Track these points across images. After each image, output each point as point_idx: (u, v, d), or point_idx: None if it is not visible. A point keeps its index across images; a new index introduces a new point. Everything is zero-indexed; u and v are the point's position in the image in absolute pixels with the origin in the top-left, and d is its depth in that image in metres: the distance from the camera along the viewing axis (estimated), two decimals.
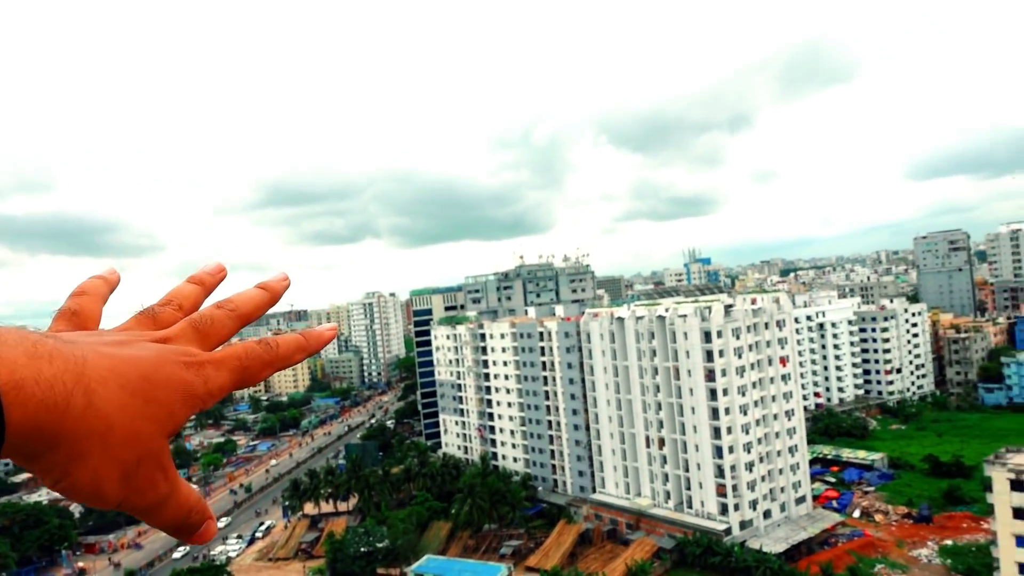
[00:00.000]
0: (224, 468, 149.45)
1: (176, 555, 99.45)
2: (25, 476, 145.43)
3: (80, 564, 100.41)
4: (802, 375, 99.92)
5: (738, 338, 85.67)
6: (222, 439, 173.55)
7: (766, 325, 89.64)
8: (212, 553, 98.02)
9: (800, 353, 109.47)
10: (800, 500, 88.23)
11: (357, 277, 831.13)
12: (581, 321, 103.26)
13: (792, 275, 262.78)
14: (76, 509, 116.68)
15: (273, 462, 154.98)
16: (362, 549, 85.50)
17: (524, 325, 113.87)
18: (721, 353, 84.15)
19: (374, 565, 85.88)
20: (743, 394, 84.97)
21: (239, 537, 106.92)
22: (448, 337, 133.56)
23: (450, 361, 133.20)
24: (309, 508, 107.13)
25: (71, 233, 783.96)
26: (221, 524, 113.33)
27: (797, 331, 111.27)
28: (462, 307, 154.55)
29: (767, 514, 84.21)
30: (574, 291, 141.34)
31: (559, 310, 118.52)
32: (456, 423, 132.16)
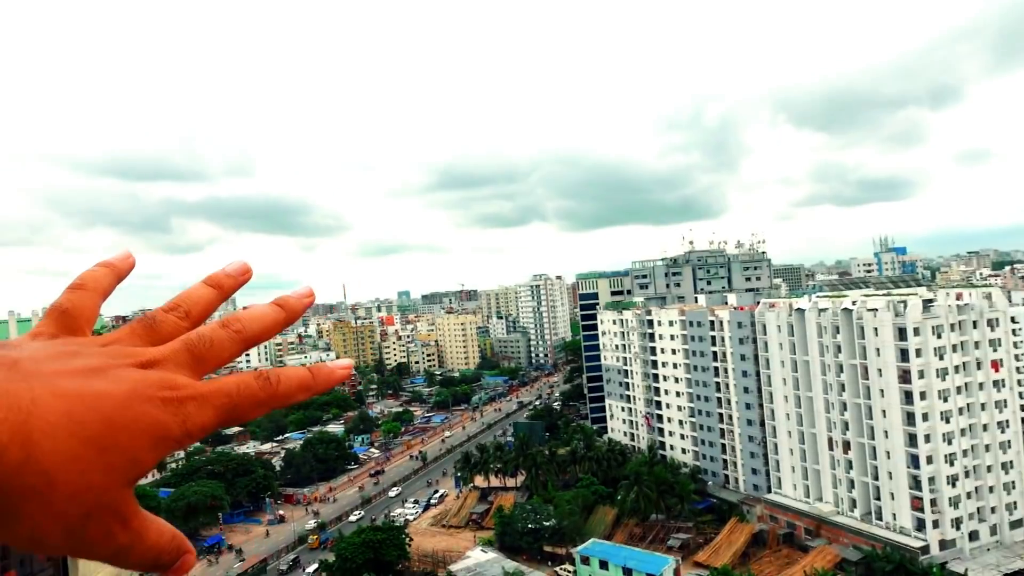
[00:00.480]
0: (402, 436, 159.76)
1: (352, 518, 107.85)
2: (236, 429, 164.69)
3: (280, 512, 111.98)
4: (1020, 382, 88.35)
5: (939, 337, 77.51)
6: (400, 409, 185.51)
7: (974, 324, 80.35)
8: (392, 514, 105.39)
9: (1018, 358, 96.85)
10: (1016, 524, 78.54)
11: (525, 260, 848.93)
12: (756, 311, 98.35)
13: (1008, 268, 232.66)
14: (277, 463, 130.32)
15: (447, 433, 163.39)
16: (529, 525, 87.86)
17: (694, 313, 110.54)
18: (919, 353, 76.64)
19: (541, 542, 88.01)
20: (945, 400, 76.92)
21: (415, 502, 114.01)
22: (614, 322, 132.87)
23: (616, 346, 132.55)
24: (479, 481, 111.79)
25: (270, 213, 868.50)
26: (395, 492, 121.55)
27: (1015, 332, 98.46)
28: (628, 292, 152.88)
29: (973, 536, 75.94)
30: (748, 279, 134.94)
31: (731, 299, 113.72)
32: (622, 409, 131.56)
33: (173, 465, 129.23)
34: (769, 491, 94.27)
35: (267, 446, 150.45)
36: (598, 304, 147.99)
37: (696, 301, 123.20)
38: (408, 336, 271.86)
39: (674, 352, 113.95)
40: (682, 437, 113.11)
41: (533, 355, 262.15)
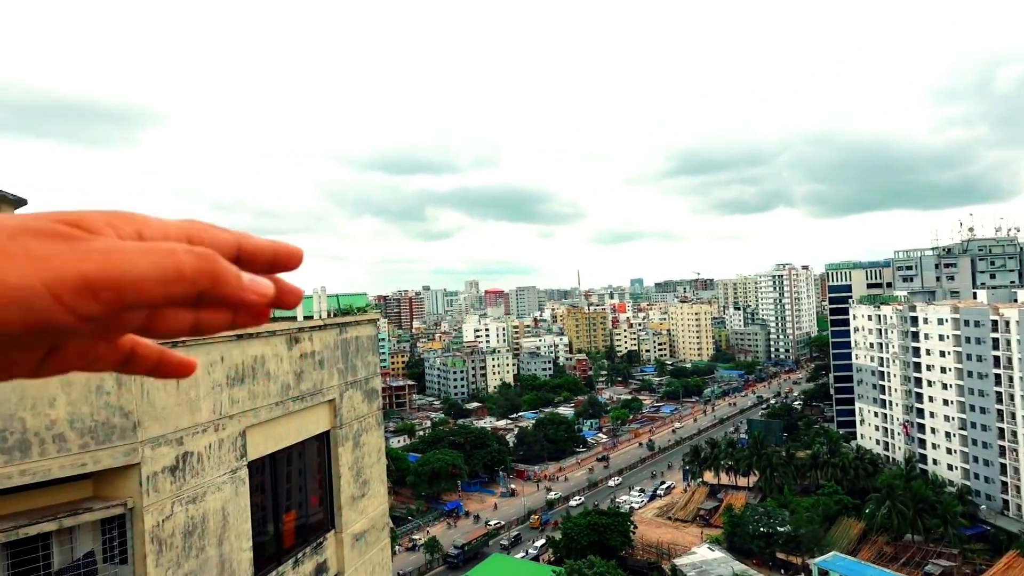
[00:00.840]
0: (630, 423, 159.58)
1: (573, 503, 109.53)
2: (476, 404, 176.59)
3: (512, 486, 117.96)
4: None
5: None
6: (629, 396, 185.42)
7: None
8: (618, 500, 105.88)
9: None
10: None
11: (767, 248, 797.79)
12: None
13: None
14: (511, 439, 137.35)
15: (676, 425, 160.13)
16: (761, 529, 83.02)
17: (971, 311, 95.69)
18: None
19: (773, 548, 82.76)
20: None
21: (641, 491, 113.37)
22: (869, 317, 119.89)
23: (871, 344, 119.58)
24: (708, 476, 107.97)
25: (512, 202, 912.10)
26: (615, 481, 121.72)
27: None
28: (888, 285, 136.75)
29: None
30: None
31: (1022, 296, 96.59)
32: (875, 414, 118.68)
33: (421, 433, 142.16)
34: None
35: (502, 422, 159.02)
36: (851, 297, 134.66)
37: (975, 297, 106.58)
38: (640, 324, 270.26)
39: (943, 354, 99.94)
40: (949, 452, 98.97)
41: (772, 349, 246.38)
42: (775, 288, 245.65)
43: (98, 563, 9.51)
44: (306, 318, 14.51)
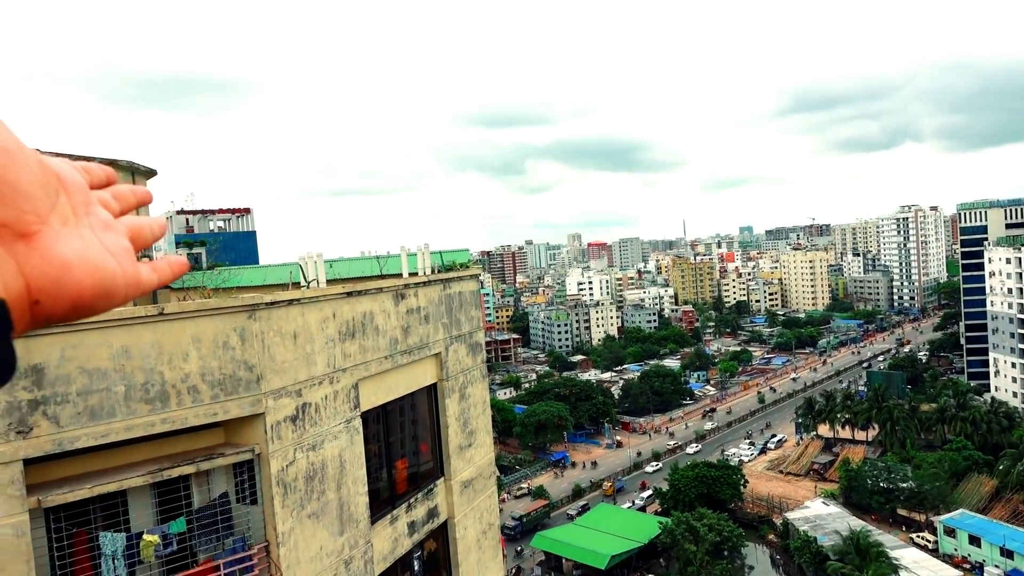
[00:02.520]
0: (739, 376, 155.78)
1: (690, 449, 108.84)
2: (580, 357, 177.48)
3: (618, 437, 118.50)
4: None
5: None
6: (738, 348, 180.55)
7: None
8: (727, 453, 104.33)
9: None
10: None
11: (890, 189, 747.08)
12: None
13: None
14: (616, 391, 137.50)
15: (793, 375, 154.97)
16: (881, 484, 79.63)
17: None
18: None
19: (894, 504, 79.31)
20: None
21: (751, 444, 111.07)
22: (1008, 260, 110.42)
23: (1009, 290, 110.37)
24: (823, 430, 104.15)
25: (612, 151, 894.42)
26: (722, 434, 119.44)
27: None
28: None
29: None
30: None
31: None
32: (1011, 364, 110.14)
33: (526, 385, 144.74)
34: None
35: (607, 375, 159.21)
36: (986, 240, 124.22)
37: None
38: (749, 273, 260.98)
39: None
40: None
41: (895, 297, 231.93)
42: (899, 231, 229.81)
43: (232, 503, 10.40)
44: (411, 275, 14.96)
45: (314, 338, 11.14)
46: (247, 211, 58.95)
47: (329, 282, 13.95)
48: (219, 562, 9.96)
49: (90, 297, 0.77)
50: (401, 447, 14.60)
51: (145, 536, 9.51)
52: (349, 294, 11.90)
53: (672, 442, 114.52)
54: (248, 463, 10.36)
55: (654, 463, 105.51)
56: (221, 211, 57.60)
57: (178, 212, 52.08)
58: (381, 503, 13.22)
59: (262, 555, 10.28)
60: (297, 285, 14.79)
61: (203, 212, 55.73)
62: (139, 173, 18.70)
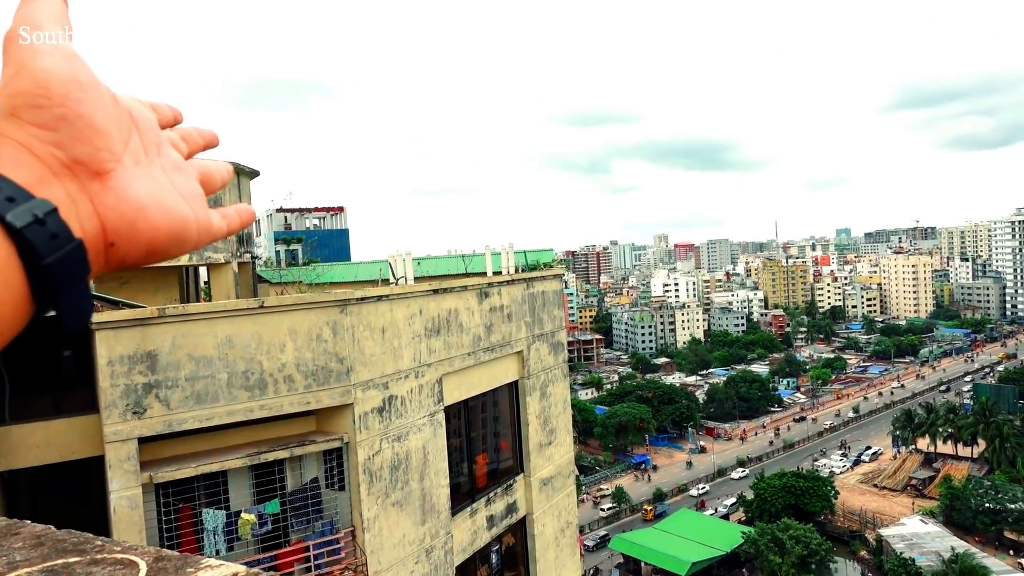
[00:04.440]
0: (832, 384, 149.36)
1: (735, 475, 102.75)
2: (664, 360, 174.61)
3: (702, 443, 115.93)
4: None
5: None
6: (832, 355, 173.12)
7: None
8: (817, 464, 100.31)
9: None
10: None
11: (1005, 189, 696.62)
12: None
13: None
14: (700, 396, 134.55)
15: (889, 386, 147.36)
16: (987, 504, 74.66)
17: None
18: None
19: (1001, 526, 74.21)
20: None
21: (844, 455, 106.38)
22: None
23: None
24: (922, 444, 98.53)
25: (701, 150, 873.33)
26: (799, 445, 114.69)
27: None
28: None
29: None
30: None
31: None
32: None
33: (608, 386, 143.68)
34: None
35: (691, 379, 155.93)
36: None
37: None
38: (845, 278, 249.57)
39: None
40: None
41: (1009, 306, 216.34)
42: (1015, 235, 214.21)
43: (321, 488, 10.94)
44: (495, 273, 15.25)
45: (401, 333, 11.55)
46: (340, 210, 61.24)
47: (416, 279, 14.42)
48: (309, 543, 10.52)
49: (164, 242, 0.75)
50: (482, 442, 14.91)
51: (243, 515, 10.15)
52: (435, 291, 12.27)
53: (748, 452, 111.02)
54: (337, 451, 10.87)
55: (740, 469, 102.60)
56: (317, 209, 60.07)
57: (277, 210, 54.64)
58: (461, 496, 13.56)
59: (348, 539, 10.77)
60: (386, 282, 15.35)
61: (300, 210, 58.28)
62: (243, 174, 19.80)
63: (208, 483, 10.09)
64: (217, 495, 10.12)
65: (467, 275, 15.85)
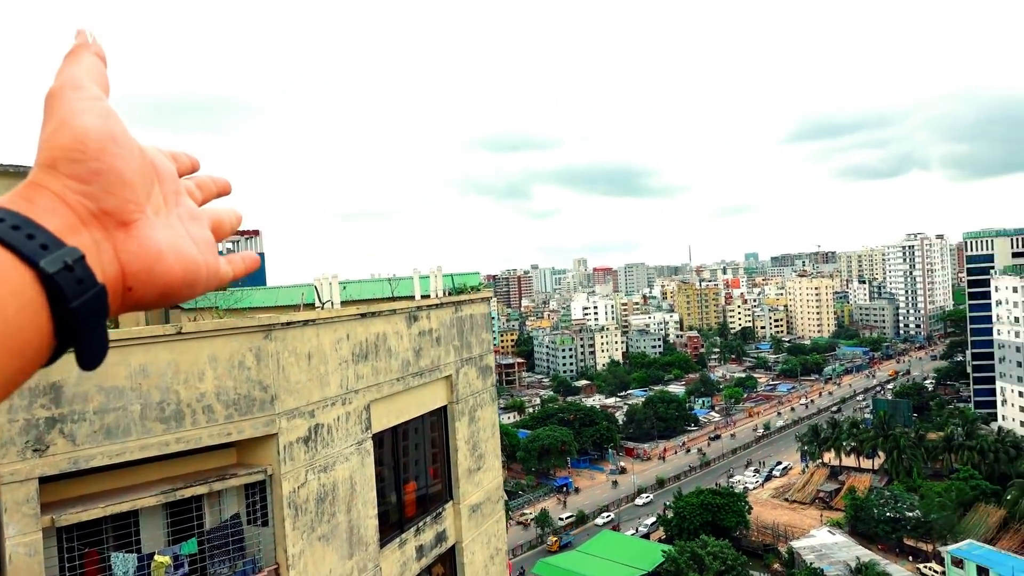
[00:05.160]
0: (744, 402, 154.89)
1: (640, 500, 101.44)
2: (585, 382, 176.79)
3: (622, 463, 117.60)
4: None
5: None
6: (743, 374, 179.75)
7: None
8: (731, 480, 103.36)
9: None
10: None
11: (896, 217, 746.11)
12: None
13: None
14: (620, 417, 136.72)
15: (794, 404, 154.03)
16: (887, 513, 78.76)
17: None
18: None
19: (900, 534, 78.38)
20: None
21: (756, 471, 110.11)
22: (1015, 289, 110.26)
23: (1015, 319, 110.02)
24: (829, 457, 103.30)
25: (618, 177, 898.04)
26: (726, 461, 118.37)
27: None
28: None
29: None
30: None
31: None
32: (1019, 394, 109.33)
33: (530, 410, 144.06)
34: None
35: (611, 400, 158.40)
36: (992, 268, 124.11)
37: None
38: (755, 300, 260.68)
39: None
40: None
41: (901, 325, 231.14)
42: (905, 259, 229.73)
43: (243, 524, 10.37)
44: (423, 297, 15.04)
45: (328, 359, 11.18)
46: (256, 233, 59.38)
47: (343, 304, 14.04)
48: None
49: (178, 286, 0.80)
50: (411, 470, 14.57)
51: (156, 557, 9.48)
52: (363, 315, 11.97)
53: (667, 472, 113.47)
54: (260, 484, 10.35)
55: (644, 495, 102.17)
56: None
57: None
58: (390, 527, 13.17)
59: None
60: (309, 306, 14.88)
61: None
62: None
63: (118, 524, 9.39)
64: (128, 537, 9.42)
65: (394, 299, 15.59)
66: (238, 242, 58.91)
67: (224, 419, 9.76)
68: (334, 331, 11.34)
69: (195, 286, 0.83)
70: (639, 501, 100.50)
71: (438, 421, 14.95)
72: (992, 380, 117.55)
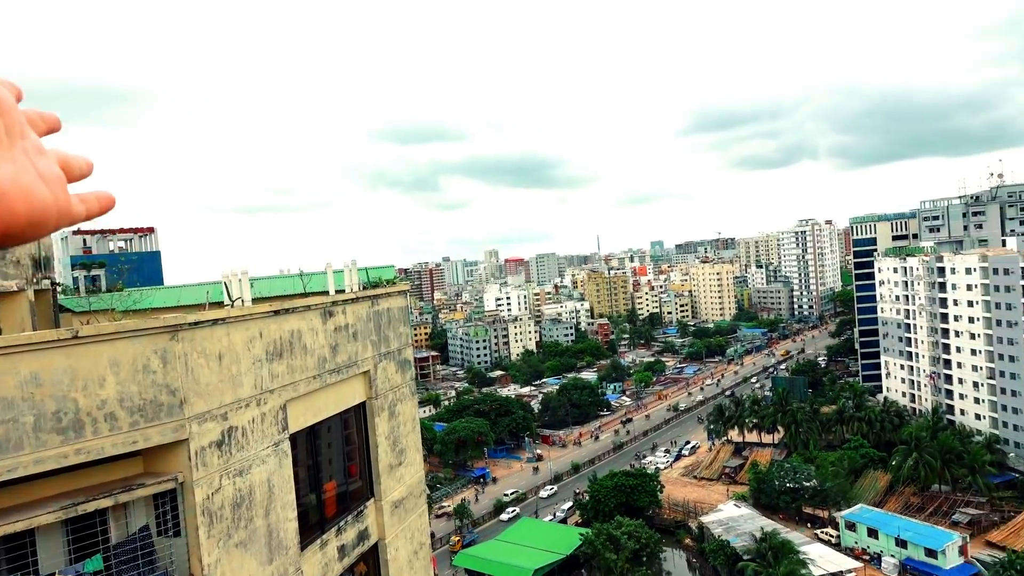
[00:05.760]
0: (654, 385, 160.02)
1: (544, 493, 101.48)
2: (500, 373, 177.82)
3: (539, 451, 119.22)
4: None
5: None
6: (652, 359, 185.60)
7: None
8: (643, 462, 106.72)
9: None
10: None
11: (790, 204, 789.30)
12: None
13: None
14: (535, 405, 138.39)
15: (701, 384, 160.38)
16: (787, 484, 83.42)
17: (1001, 259, 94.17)
18: None
19: (799, 503, 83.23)
20: None
21: (667, 451, 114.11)
22: (895, 270, 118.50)
23: (896, 297, 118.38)
24: (733, 435, 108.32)
25: (526, 168, 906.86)
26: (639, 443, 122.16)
27: None
28: (914, 236, 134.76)
29: None
30: None
31: None
32: (901, 367, 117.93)
33: (446, 403, 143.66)
34: None
35: (526, 389, 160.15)
36: (876, 251, 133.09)
37: (1003, 245, 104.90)
38: (661, 286, 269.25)
39: (971, 304, 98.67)
40: (977, 401, 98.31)
41: (796, 306, 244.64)
42: (798, 244, 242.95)
43: (153, 536, 9.83)
44: (338, 292, 14.66)
45: (240, 359, 10.73)
46: (150, 230, 56.26)
47: (253, 301, 13.50)
48: None
49: (23, 225, 0.74)
50: (330, 468, 14.22)
51: None
52: (276, 312, 11.55)
53: (583, 456, 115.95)
54: (171, 493, 9.83)
55: (549, 487, 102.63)
56: (122, 231, 54.73)
57: (74, 232, 49.16)
58: (311, 528, 12.82)
59: None
60: (216, 305, 14.24)
61: (102, 232, 52.77)
62: None
63: (11, 546, 8.70)
64: (24, 559, 8.75)
65: (307, 294, 15.13)
66: (131, 240, 55.73)
67: (129, 427, 9.20)
68: (246, 329, 10.88)
69: (43, 225, 0.78)
70: (543, 493, 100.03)
71: (358, 418, 14.66)
72: (877, 355, 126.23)
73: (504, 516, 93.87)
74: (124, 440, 9.20)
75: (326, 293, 14.63)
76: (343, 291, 14.82)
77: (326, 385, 12.94)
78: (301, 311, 12.20)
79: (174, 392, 9.60)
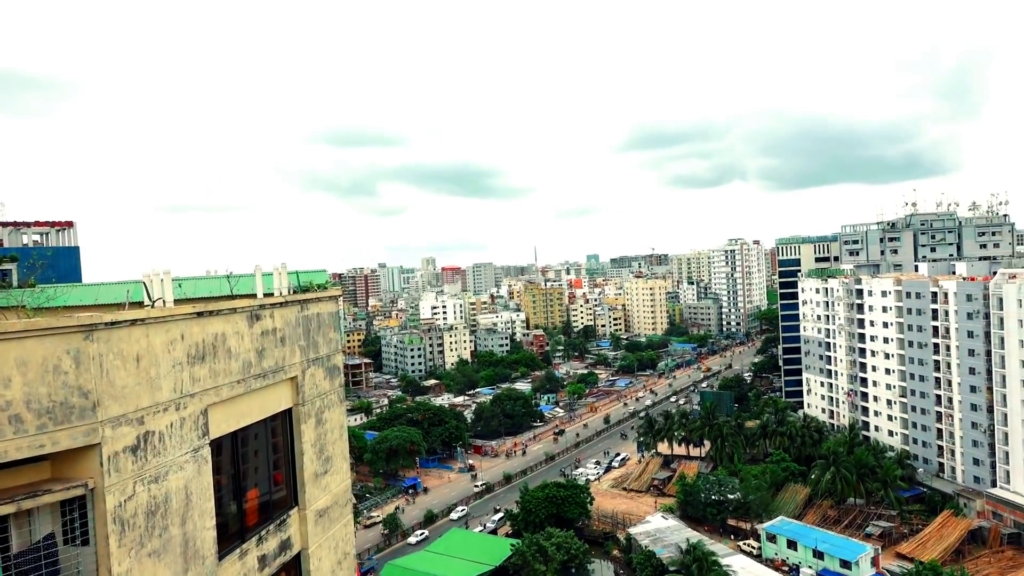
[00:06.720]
0: (586, 397, 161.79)
1: (454, 515, 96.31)
2: (434, 382, 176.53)
3: (471, 461, 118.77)
4: None
5: None
6: (585, 371, 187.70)
7: None
8: (573, 474, 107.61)
9: None
10: None
11: (720, 222, 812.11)
12: (992, 283, 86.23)
13: None
14: (468, 415, 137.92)
15: (632, 397, 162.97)
16: (713, 497, 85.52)
17: (913, 283, 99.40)
18: None
19: (724, 515, 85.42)
20: None
21: (597, 463, 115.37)
22: (817, 291, 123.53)
23: (818, 317, 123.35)
24: (662, 447, 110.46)
25: (465, 176, 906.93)
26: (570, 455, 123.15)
27: None
28: (836, 259, 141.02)
29: None
30: (983, 247, 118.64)
31: (960, 268, 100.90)
32: (821, 384, 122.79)
33: (378, 411, 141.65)
34: (994, 485, 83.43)
35: (460, 399, 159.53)
36: (799, 271, 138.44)
37: (916, 270, 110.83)
38: (596, 299, 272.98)
39: (886, 325, 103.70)
40: (890, 418, 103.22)
41: (724, 323, 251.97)
42: (727, 263, 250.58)
43: (58, 545, 9.37)
44: (266, 295, 14.34)
45: (159, 361, 10.36)
46: (69, 224, 53.69)
47: (176, 302, 13.06)
48: None
49: None
50: (253, 476, 13.85)
51: None
52: (200, 314, 11.21)
53: (515, 467, 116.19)
54: (79, 499, 9.39)
55: (459, 508, 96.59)
56: (38, 224, 52.09)
57: None
58: (230, 537, 12.44)
59: None
60: (136, 305, 13.72)
61: (15, 224, 50.07)
62: None
63: None
64: None
65: (233, 297, 14.74)
66: (47, 234, 53.14)
67: (36, 429, 8.77)
68: (167, 331, 10.53)
69: None
70: (412, 540, 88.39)
71: (283, 424, 14.34)
72: (799, 372, 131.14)
73: (412, 540, 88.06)
74: (30, 443, 8.76)
75: (254, 296, 14.30)
76: (272, 295, 14.50)
77: (251, 390, 12.61)
78: (226, 314, 11.88)
79: (87, 394, 9.21)
